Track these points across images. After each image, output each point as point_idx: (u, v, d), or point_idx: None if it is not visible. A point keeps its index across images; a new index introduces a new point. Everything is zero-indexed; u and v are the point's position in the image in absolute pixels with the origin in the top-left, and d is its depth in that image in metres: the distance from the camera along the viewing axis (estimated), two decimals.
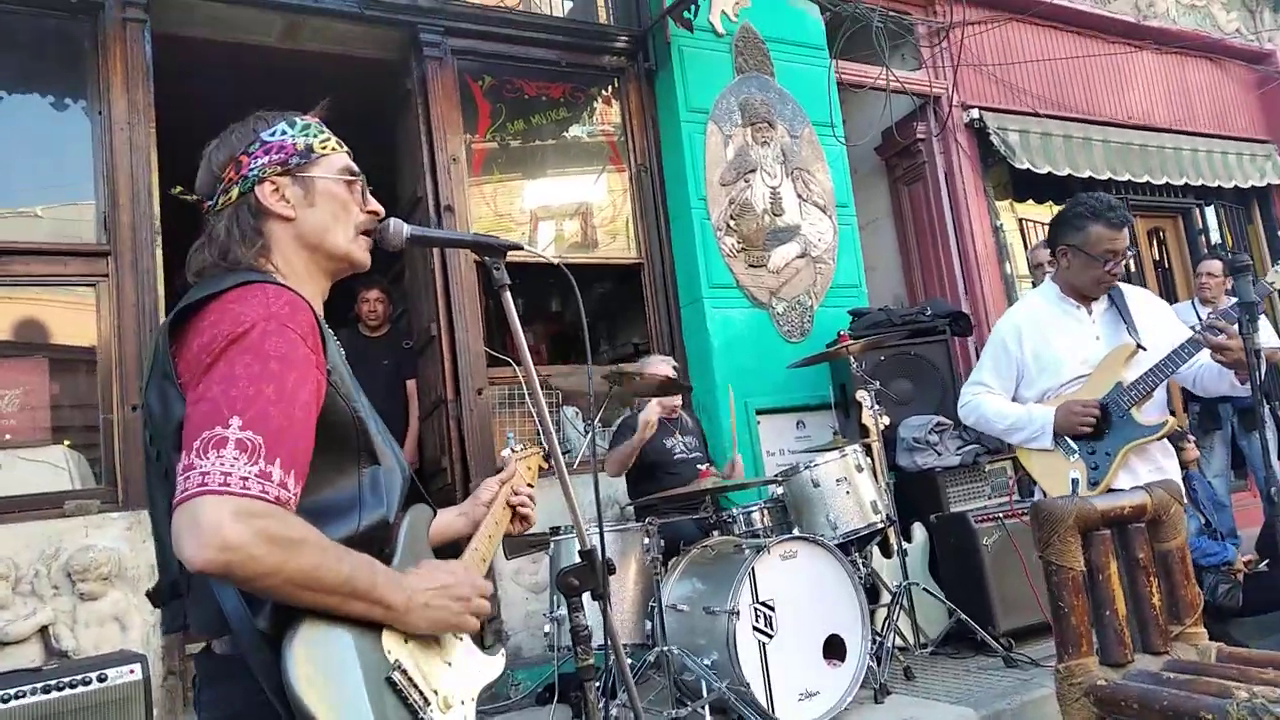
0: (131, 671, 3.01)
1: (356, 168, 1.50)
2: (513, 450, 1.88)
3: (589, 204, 5.60)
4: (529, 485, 1.83)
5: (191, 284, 1.40)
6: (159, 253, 4.20)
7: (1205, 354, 2.78)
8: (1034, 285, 5.36)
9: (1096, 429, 2.82)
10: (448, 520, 1.70)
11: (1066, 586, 2.15)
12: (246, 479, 1.12)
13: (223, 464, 1.11)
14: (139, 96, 4.30)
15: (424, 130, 5.03)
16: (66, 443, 4.11)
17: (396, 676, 1.25)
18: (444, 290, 4.92)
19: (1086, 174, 6.84)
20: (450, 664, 1.39)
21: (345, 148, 1.51)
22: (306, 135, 1.45)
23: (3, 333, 4.14)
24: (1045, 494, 2.92)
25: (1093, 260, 2.88)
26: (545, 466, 1.95)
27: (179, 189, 1.50)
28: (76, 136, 4.31)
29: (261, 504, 1.12)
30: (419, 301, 5.33)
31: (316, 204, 1.43)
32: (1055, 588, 2.17)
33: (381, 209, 1.52)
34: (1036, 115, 6.95)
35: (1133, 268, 7.42)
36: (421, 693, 1.29)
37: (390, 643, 1.27)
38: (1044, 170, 6.63)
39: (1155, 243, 7.98)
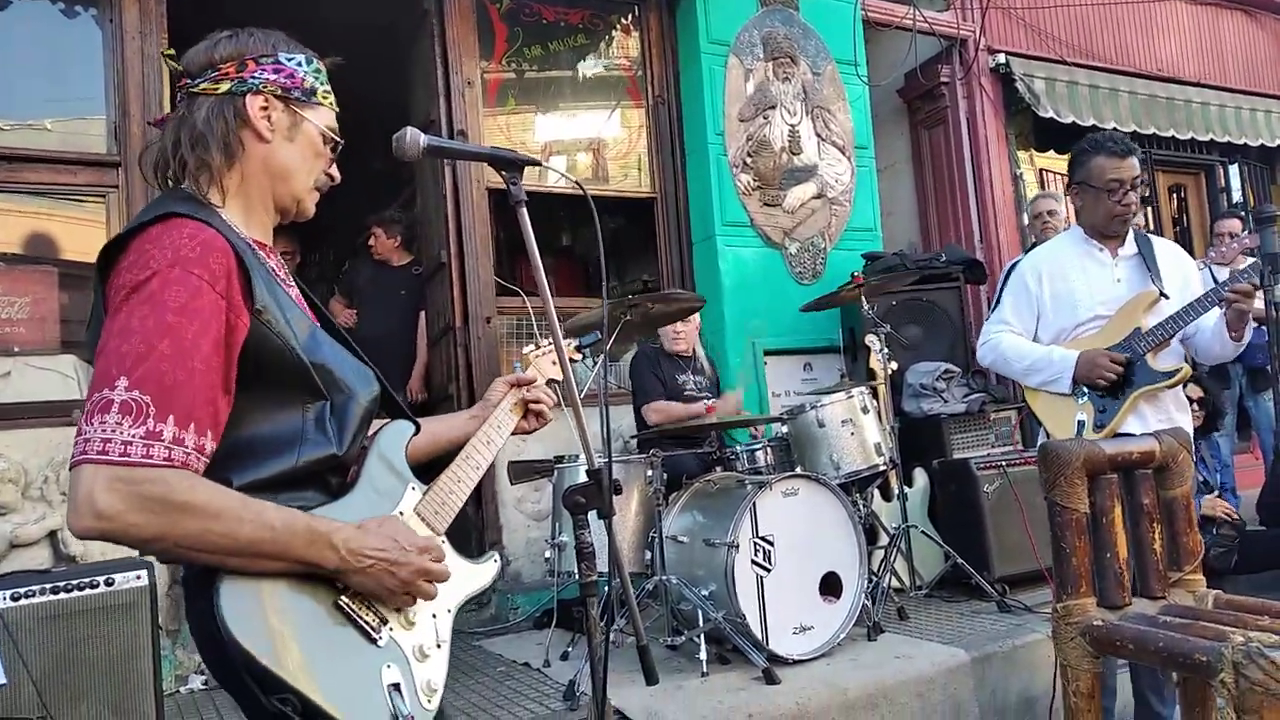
0: (138, 578, 3.04)
1: (340, 135, 1.49)
2: (537, 345, 1.85)
3: (603, 137, 5.52)
4: (554, 380, 1.81)
5: (150, 181, 1.40)
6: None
7: (1207, 316, 2.80)
8: (1034, 238, 5.31)
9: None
10: (459, 423, 1.68)
11: (1070, 528, 2.16)
12: (130, 443, 1.10)
13: (104, 429, 1.10)
14: (151, 5, 4.22)
15: (439, 52, 4.94)
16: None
17: (344, 601, 1.26)
18: (455, 217, 4.88)
19: (1111, 125, 6.70)
20: None
21: (337, 109, 1.50)
22: (317, 79, 1.45)
23: (13, 243, 4.12)
24: (1049, 435, 2.92)
25: (1099, 193, 2.88)
26: (576, 357, 1.94)
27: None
28: (86, 46, 4.24)
29: (142, 470, 1.10)
30: (429, 228, 5.29)
31: (295, 142, 1.42)
32: (1058, 529, 2.17)
33: (339, 177, 1.51)
34: (1064, 63, 6.80)
35: (1152, 224, 7.34)
36: (378, 613, 1.29)
37: None
38: (1068, 120, 6.50)
39: (1175, 199, 7.87)
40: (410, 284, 5.51)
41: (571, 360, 1.94)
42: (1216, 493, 4.56)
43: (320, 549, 1.22)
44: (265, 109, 1.38)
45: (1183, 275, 2.94)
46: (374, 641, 1.27)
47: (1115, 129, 6.71)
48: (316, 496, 1.31)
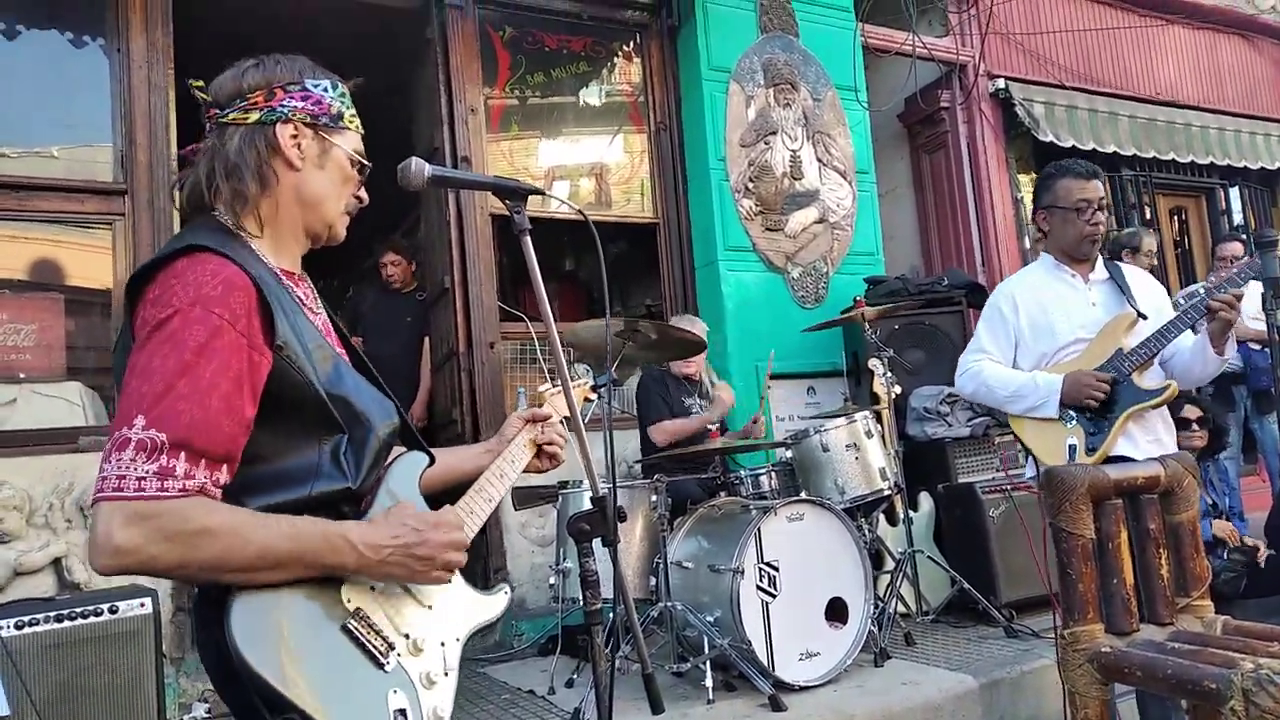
0: (142, 605, 3.04)
1: (367, 158, 1.50)
2: (554, 383, 1.85)
3: (605, 163, 5.56)
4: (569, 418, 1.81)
5: (180, 213, 1.41)
6: (176, 193, 4.18)
7: (1184, 337, 2.82)
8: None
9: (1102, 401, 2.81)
10: (473, 455, 1.69)
11: (1075, 554, 2.15)
12: (144, 479, 1.12)
13: (120, 467, 1.12)
14: (158, 36, 4.27)
15: (443, 80, 4.99)
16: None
17: (353, 625, 1.26)
18: (459, 243, 4.91)
19: (1111, 149, 6.76)
20: (430, 606, 1.39)
21: (363, 131, 1.50)
22: (342, 103, 1.45)
23: (20, 270, 4.15)
24: (1038, 461, 2.91)
25: (1067, 213, 2.91)
26: (591, 398, 1.94)
27: (199, 83, 1.45)
28: (94, 75, 4.29)
29: (155, 503, 1.12)
30: (433, 254, 5.32)
31: (326, 169, 1.42)
32: (1064, 555, 2.16)
33: (367, 199, 1.52)
34: (1063, 87, 6.85)
35: (1154, 247, 7.34)
36: (385, 639, 1.29)
37: (351, 591, 1.28)
38: (1068, 144, 6.54)
39: (1177, 222, 7.89)
40: (415, 310, 5.53)
41: (587, 400, 1.95)
42: (1225, 516, 4.53)
43: (336, 546, 1.24)
44: (295, 137, 1.39)
45: (1155, 300, 2.96)
46: (381, 666, 1.27)
47: (1115, 152, 6.77)
48: None
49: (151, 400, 1.15)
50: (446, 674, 1.37)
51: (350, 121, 1.46)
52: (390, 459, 1.46)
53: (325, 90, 1.43)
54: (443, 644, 1.39)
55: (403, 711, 1.27)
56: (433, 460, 1.53)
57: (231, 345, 1.20)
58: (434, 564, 1.33)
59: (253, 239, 1.37)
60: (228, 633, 1.15)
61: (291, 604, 1.21)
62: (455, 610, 1.43)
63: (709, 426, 4.19)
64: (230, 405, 1.19)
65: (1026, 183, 6.92)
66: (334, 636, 1.24)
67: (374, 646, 1.27)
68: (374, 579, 1.28)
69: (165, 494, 1.13)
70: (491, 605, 1.51)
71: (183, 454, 1.14)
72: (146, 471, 1.12)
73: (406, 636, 1.33)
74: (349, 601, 1.27)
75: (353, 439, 1.35)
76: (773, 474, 4.01)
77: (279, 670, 1.15)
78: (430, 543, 1.32)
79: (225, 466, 1.19)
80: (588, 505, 1.68)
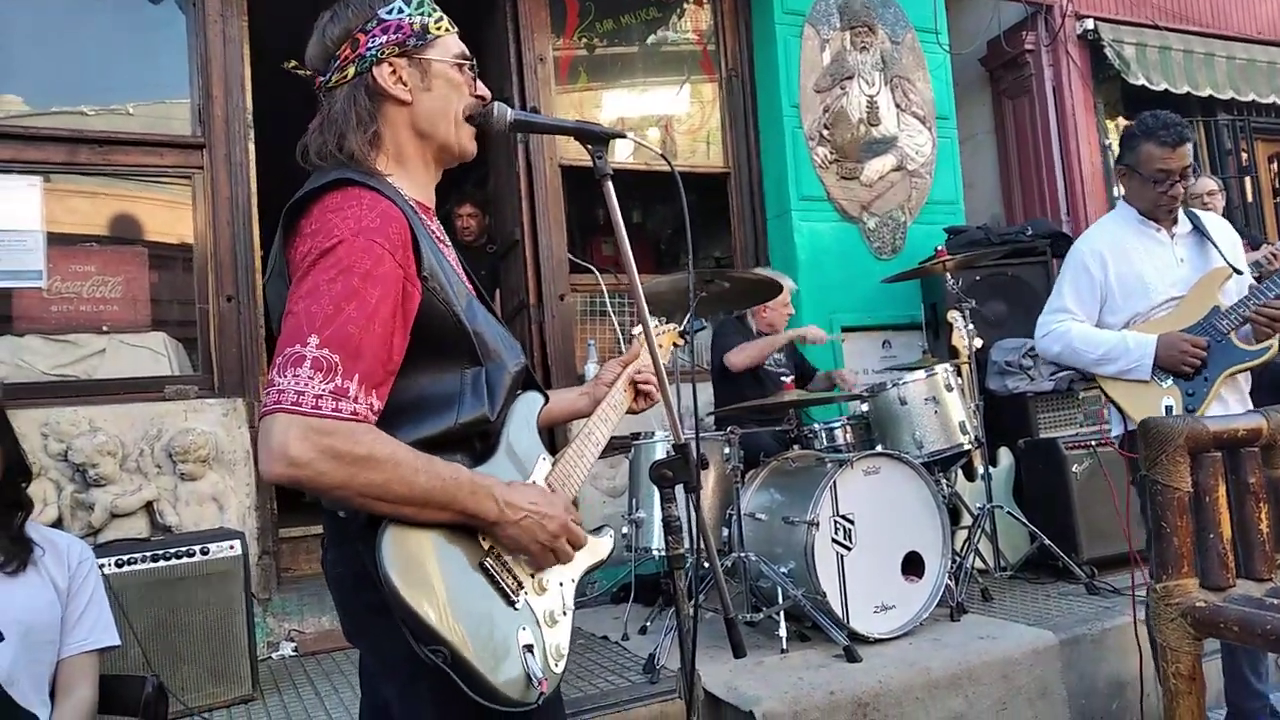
0: (232, 547, 3.17)
1: (468, 51, 1.47)
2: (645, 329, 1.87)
3: (674, 113, 5.47)
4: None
5: (306, 169, 1.40)
6: (251, 146, 4.26)
7: None
8: None
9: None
10: (569, 400, 1.74)
11: (1171, 507, 2.06)
12: (321, 396, 1.15)
13: (298, 382, 1.15)
14: None
15: (512, 29, 4.95)
16: None
17: (489, 563, 1.30)
18: (528, 194, 4.90)
19: (1206, 92, 6.43)
20: None
21: (456, 28, 1.48)
22: (422, 14, 1.42)
23: (104, 224, 4.26)
24: (1130, 422, 2.82)
25: (1145, 181, 2.78)
26: (679, 344, 1.96)
27: (293, 64, 1.46)
28: (169, 31, 4.34)
29: (331, 422, 1.15)
30: (503, 206, 5.32)
31: (433, 88, 1.42)
32: (1159, 508, 2.08)
33: (489, 94, 1.49)
34: (1156, 27, 6.51)
35: (1250, 196, 7.00)
36: (515, 578, 1.33)
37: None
38: (1160, 87, 6.23)
39: (1276, 168, 7.49)
40: (490, 263, 5.56)
41: (675, 345, 1.96)
42: None
43: (482, 499, 1.27)
44: (394, 73, 1.39)
45: (1235, 245, 2.86)
46: (512, 604, 1.31)
47: (1211, 96, 6.44)
48: (464, 460, 1.34)
49: (323, 321, 1.18)
50: (565, 612, 1.41)
51: (437, 27, 1.43)
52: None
53: (399, 11, 1.40)
54: (561, 584, 1.43)
55: (529, 647, 1.30)
56: (547, 400, 1.56)
57: (391, 274, 1.23)
58: (554, 542, 1.35)
59: (389, 176, 1.38)
60: (380, 565, 1.18)
61: (437, 540, 1.25)
62: None
63: (784, 379, 4.13)
64: (387, 331, 1.22)
65: (1114, 128, 6.63)
66: (473, 573, 1.28)
67: (507, 584, 1.31)
68: (497, 536, 1.31)
69: (339, 414, 1.16)
70: (600, 548, 1.55)
71: (356, 376, 1.18)
72: (324, 390, 1.16)
73: (532, 576, 1.37)
74: (485, 540, 1.31)
75: (488, 372, 1.38)
76: (848, 427, 3.96)
77: (428, 602, 1.19)
78: (559, 519, 1.35)
79: (376, 392, 1.22)
80: (660, 455, 1.67)
